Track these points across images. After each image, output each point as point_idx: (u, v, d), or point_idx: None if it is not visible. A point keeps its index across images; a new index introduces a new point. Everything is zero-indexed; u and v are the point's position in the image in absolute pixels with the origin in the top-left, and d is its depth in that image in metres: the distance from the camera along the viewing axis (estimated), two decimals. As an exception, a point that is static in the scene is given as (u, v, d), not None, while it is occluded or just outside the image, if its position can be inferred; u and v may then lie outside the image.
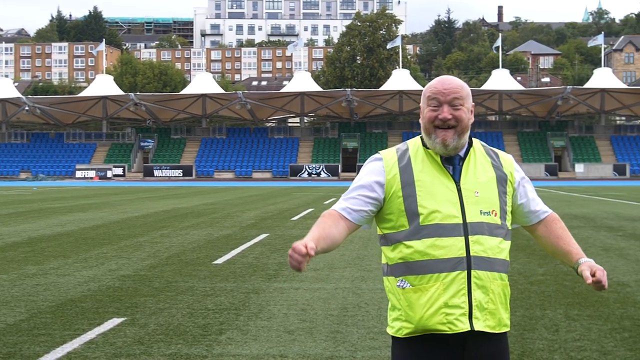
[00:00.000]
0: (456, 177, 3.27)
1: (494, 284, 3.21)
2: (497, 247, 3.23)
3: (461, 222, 3.20)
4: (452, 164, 3.30)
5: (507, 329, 3.30)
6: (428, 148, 3.33)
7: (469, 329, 3.16)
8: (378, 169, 3.34)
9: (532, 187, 3.48)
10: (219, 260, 12.85)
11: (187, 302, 9.04)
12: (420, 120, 3.37)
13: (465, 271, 3.17)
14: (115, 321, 7.95)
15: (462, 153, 3.32)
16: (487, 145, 3.46)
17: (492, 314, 3.21)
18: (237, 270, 11.68)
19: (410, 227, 3.23)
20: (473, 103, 3.39)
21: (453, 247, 3.17)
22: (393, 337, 3.32)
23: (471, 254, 3.17)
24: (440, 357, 3.22)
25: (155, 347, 6.90)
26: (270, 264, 12.39)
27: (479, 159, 3.34)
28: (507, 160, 3.42)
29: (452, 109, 3.26)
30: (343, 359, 6.51)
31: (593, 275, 3.24)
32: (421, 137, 3.38)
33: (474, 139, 3.40)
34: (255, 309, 8.59)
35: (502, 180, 3.33)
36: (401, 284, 3.24)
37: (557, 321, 7.87)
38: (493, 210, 3.25)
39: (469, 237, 3.19)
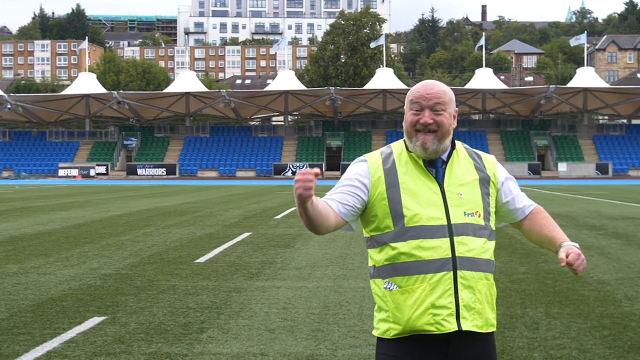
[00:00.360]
0: (439, 180, 3.31)
1: (480, 283, 3.25)
2: (482, 248, 3.27)
3: (446, 223, 3.24)
4: (435, 166, 3.33)
5: (493, 329, 3.33)
6: (411, 151, 3.37)
7: (457, 329, 3.20)
8: (363, 170, 3.37)
9: (516, 184, 3.52)
10: (201, 259, 12.82)
11: (168, 300, 9.02)
12: (403, 124, 3.41)
13: (451, 272, 3.20)
14: (95, 320, 7.92)
15: (444, 156, 3.35)
16: (469, 147, 3.50)
17: (480, 313, 3.25)
18: (219, 269, 11.66)
19: (395, 228, 3.26)
20: (457, 108, 3.43)
21: (438, 248, 3.21)
22: (378, 337, 3.34)
23: (456, 254, 3.21)
24: (425, 356, 3.25)
25: (136, 346, 6.88)
26: (253, 263, 12.37)
27: (461, 162, 3.38)
28: (490, 161, 3.46)
29: (434, 113, 3.29)
30: (324, 357, 6.52)
31: (567, 257, 3.25)
32: (404, 140, 3.41)
33: (456, 142, 3.43)
34: (237, 308, 8.58)
35: (485, 181, 3.37)
36: (388, 286, 3.27)
37: (538, 319, 7.90)
38: (477, 212, 3.30)
39: (454, 238, 3.23)
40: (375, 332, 3.36)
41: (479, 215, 3.30)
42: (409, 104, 3.35)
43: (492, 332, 3.34)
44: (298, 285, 10.15)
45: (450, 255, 3.21)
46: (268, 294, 9.44)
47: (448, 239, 3.22)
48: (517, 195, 3.48)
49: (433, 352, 3.24)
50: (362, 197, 3.33)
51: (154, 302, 8.90)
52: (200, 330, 7.46)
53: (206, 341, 7.05)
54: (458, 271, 3.20)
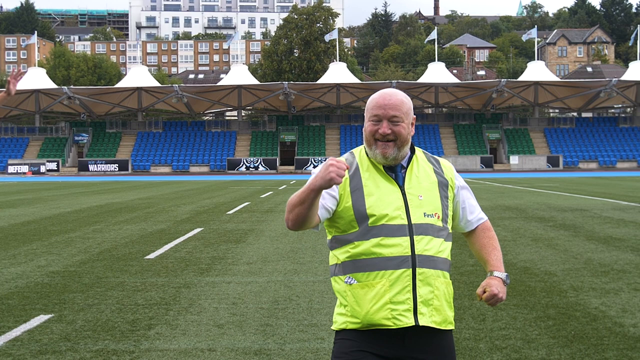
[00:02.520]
0: (400, 183, 3.42)
1: (438, 281, 3.36)
2: (440, 247, 3.40)
3: (406, 223, 3.34)
4: (395, 171, 3.44)
5: (452, 327, 3.43)
6: (370, 158, 3.47)
7: (414, 323, 3.29)
8: None
9: (470, 194, 3.63)
10: (151, 255, 12.73)
11: (116, 297, 8.95)
12: (363, 131, 3.50)
13: (410, 269, 3.31)
14: (42, 318, 7.83)
15: (404, 162, 3.47)
16: (428, 153, 3.61)
17: (438, 310, 3.35)
18: (169, 265, 11.59)
19: (359, 228, 3.36)
20: (414, 116, 3.52)
21: (399, 246, 3.31)
22: (336, 331, 3.42)
23: (416, 252, 3.32)
24: (382, 350, 3.33)
25: (82, 344, 6.82)
26: (203, 258, 12.32)
27: (421, 166, 3.49)
28: (447, 167, 3.58)
29: (392, 124, 3.39)
30: (271, 351, 6.52)
31: (484, 293, 3.45)
32: (364, 147, 3.52)
33: (416, 148, 3.53)
34: (186, 304, 8.54)
35: (443, 185, 3.49)
36: (349, 280, 3.37)
37: (484, 311, 7.99)
38: (436, 213, 3.42)
39: (414, 237, 3.34)
40: (333, 326, 3.44)
41: (438, 217, 3.41)
42: (368, 114, 3.44)
43: (451, 330, 3.43)
44: (248, 280, 10.14)
45: (409, 253, 3.31)
46: (218, 290, 9.41)
47: (408, 237, 3.33)
48: (470, 206, 3.60)
49: (391, 346, 3.33)
50: (335, 197, 3.41)
51: (102, 299, 8.82)
52: (148, 327, 7.41)
53: (154, 337, 7.01)
54: (417, 268, 3.31)
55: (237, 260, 12.05)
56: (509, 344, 6.66)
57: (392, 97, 3.42)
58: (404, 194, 3.39)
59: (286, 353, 6.47)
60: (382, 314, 3.29)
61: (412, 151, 3.50)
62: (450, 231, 3.51)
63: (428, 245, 3.35)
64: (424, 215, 3.37)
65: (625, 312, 7.90)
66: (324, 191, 3.34)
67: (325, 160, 3.51)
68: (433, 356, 3.36)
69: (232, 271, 10.95)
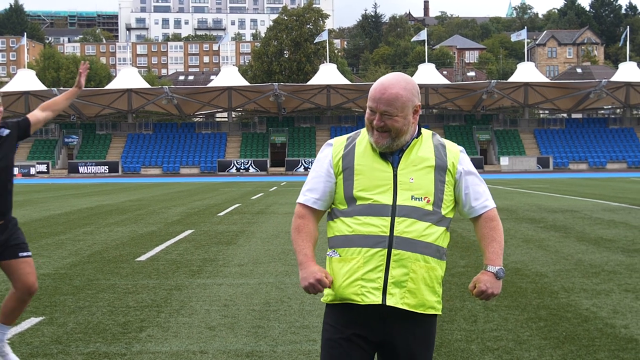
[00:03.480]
0: (394, 164, 3.47)
1: (417, 264, 3.38)
2: (424, 231, 3.40)
3: (391, 204, 3.39)
4: (392, 154, 3.49)
5: (434, 312, 3.46)
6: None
7: (380, 302, 3.36)
8: (328, 154, 3.60)
9: (478, 180, 3.63)
10: (142, 257, 12.70)
11: (107, 300, 8.92)
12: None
13: (386, 249, 3.36)
14: (32, 320, 7.81)
15: (404, 147, 3.51)
16: (438, 136, 3.62)
17: (412, 293, 3.38)
18: (160, 267, 11.57)
19: (348, 206, 3.47)
20: (418, 103, 3.53)
21: (378, 226, 3.38)
22: (326, 305, 3.59)
23: (395, 234, 3.37)
24: (362, 331, 3.43)
25: (74, 346, 6.80)
26: (194, 260, 12.30)
27: (422, 149, 3.51)
28: (453, 151, 3.59)
29: (385, 117, 3.42)
30: (263, 353, 6.51)
31: (475, 288, 3.60)
32: None
33: (425, 131, 3.60)
34: (177, 306, 8.53)
35: (441, 169, 3.49)
36: (330, 254, 3.51)
37: (476, 312, 8.00)
38: (426, 197, 3.43)
39: (396, 218, 3.38)
40: (322, 299, 3.61)
41: (428, 201, 3.42)
42: (368, 101, 3.50)
43: (433, 315, 3.47)
44: (240, 282, 10.12)
45: (387, 234, 3.36)
46: (209, 292, 9.39)
47: (389, 218, 3.38)
48: (475, 192, 3.59)
49: (368, 326, 3.43)
50: (331, 181, 3.55)
51: (93, 302, 8.79)
52: (139, 329, 7.39)
53: (145, 340, 6.99)
54: (393, 249, 3.36)
55: (228, 262, 12.04)
56: (501, 345, 6.67)
57: (387, 90, 3.43)
58: (395, 176, 3.43)
59: (278, 355, 6.46)
60: (352, 289, 3.38)
61: (419, 134, 3.55)
62: (449, 216, 3.52)
63: (409, 228, 3.38)
64: (412, 198, 3.40)
65: (616, 313, 7.93)
66: (319, 180, 3.57)
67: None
68: (408, 339, 3.44)
69: (223, 273, 10.93)
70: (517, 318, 7.70)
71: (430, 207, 3.42)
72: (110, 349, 6.70)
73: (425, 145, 3.52)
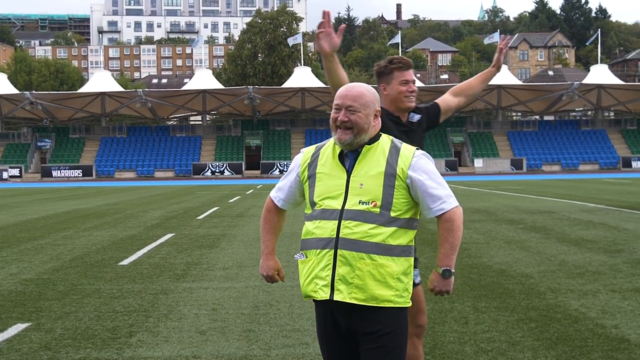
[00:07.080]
0: (349, 170, 3.76)
1: (361, 262, 3.65)
2: (368, 232, 3.66)
3: (340, 208, 3.70)
4: (350, 158, 3.78)
5: (389, 304, 3.68)
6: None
7: (328, 298, 3.69)
8: (298, 162, 3.99)
9: (435, 184, 3.79)
10: (125, 262, 12.60)
11: (94, 305, 8.83)
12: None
13: (333, 250, 3.68)
14: (19, 327, 7.70)
15: (360, 150, 3.79)
16: (397, 142, 3.85)
17: (360, 288, 3.65)
18: (144, 271, 11.47)
19: (312, 211, 3.83)
20: (379, 108, 3.84)
21: (327, 229, 3.70)
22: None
23: (340, 235, 3.67)
24: (323, 321, 3.81)
25: (64, 352, 6.71)
26: (178, 264, 12.22)
27: (376, 155, 3.78)
28: (406, 156, 3.79)
29: (349, 113, 3.74)
30: (257, 358, 6.47)
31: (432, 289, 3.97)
32: None
33: (385, 136, 3.88)
34: (165, 310, 8.46)
35: (390, 175, 3.73)
36: (298, 256, 3.89)
37: (466, 314, 8.00)
38: (373, 201, 3.69)
39: (342, 221, 3.68)
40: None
41: (375, 205, 3.68)
42: (333, 103, 3.83)
43: (393, 308, 3.69)
44: (226, 285, 10.07)
45: (334, 236, 3.67)
46: (196, 295, 9.33)
47: (337, 221, 3.69)
48: (430, 196, 3.76)
49: (347, 320, 3.72)
50: (295, 187, 4.02)
51: (79, 307, 8.70)
52: (129, 334, 7.32)
53: (136, 345, 6.92)
54: (338, 250, 3.67)
55: (213, 266, 11.96)
56: (495, 346, 6.67)
57: (353, 89, 3.80)
58: (348, 181, 3.73)
59: (272, 359, 6.42)
60: (310, 287, 3.76)
61: (376, 140, 3.82)
62: (400, 217, 3.71)
63: (354, 230, 3.66)
64: (359, 203, 3.68)
65: (605, 313, 7.96)
66: (286, 184, 4.05)
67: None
68: (368, 328, 3.68)
69: (208, 277, 10.86)
70: (508, 319, 7.71)
71: (377, 210, 3.68)
72: (102, 354, 6.63)
73: (379, 151, 3.78)
